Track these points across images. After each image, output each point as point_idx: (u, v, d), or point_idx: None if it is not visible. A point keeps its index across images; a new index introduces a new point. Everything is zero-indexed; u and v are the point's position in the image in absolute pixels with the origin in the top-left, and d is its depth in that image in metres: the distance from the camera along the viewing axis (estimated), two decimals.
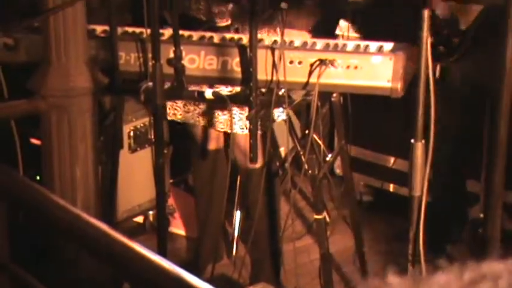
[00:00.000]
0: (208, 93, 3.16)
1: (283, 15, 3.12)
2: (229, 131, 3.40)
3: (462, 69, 3.48)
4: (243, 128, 3.38)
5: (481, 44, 3.37)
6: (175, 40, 2.90)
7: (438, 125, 3.35)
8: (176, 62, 2.90)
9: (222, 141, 3.70)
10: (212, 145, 3.69)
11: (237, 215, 3.81)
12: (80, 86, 3.04)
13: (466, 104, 3.65)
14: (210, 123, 3.46)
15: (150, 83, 2.92)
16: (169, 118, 3.35)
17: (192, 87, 3.21)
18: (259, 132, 3.20)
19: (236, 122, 3.34)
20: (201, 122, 3.49)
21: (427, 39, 2.64)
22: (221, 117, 3.44)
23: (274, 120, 3.41)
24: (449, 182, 3.79)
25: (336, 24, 3.74)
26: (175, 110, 3.50)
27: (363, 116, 4.01)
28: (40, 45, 3.05)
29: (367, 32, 3.63)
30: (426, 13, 2.63)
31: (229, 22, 3.40)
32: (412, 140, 2.78)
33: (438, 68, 3.31)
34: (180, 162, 4.13)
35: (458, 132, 3.69)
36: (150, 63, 3.01)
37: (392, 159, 4.14)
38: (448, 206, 3.82)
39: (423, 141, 2.78)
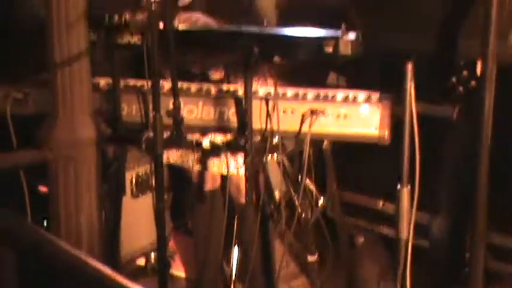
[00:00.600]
0: (206, 142, 3.27)
1: (276, 68, 3.23)
2: (224, 173, 3.49)
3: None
4: (236, 168, 3.46)
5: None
6: (174, 92, 2.99)
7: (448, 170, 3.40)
8: (175, 114, 3.00)
9: (218, 182, 3.78)
10: (208, 186, 3.78)
11: (235, 251, 3.85)
12: (85, 136, 3.15)
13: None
14: (204, 166, 3.55)
15: (151, 133, 3.01)
16: (165, 162, 3.43)
17: (190, 135, 3.33)
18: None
19: (230, 163, 3.44)
20: (197, 167, 3.57)
21: (410, 90, 2.76)
22: (215, 160, 3.52)
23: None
24: (451, 227, 3.78)
25: (326, 74, 3.85)
26: (172, 154, 3.59)
27: (353, 160, 4.10)
28: (47, 99, 3.16)
29: (356, 82, 3.73)
30: (409, 65, 2.74)
31: (222, 75, 3.51)
32: (398, 186, 2.87)
33: (457, 109, 3.35)
34: (180, 206, 4.21)
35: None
36: (150, 114, 3.10)
37: (381, 202, 4.22)
38: (448, 250, 3.81)
39: (409, 187, 2.87)
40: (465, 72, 3.17)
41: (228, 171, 3.33)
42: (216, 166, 3.54)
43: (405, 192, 2.87)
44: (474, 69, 3.18)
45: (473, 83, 3.18)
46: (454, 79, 3.17)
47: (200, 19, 3.43)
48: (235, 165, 3.47)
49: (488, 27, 2.22)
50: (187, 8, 3.28)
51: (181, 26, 3.22)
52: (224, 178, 3.60)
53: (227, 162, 3.33)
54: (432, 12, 2.45)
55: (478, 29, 2.30)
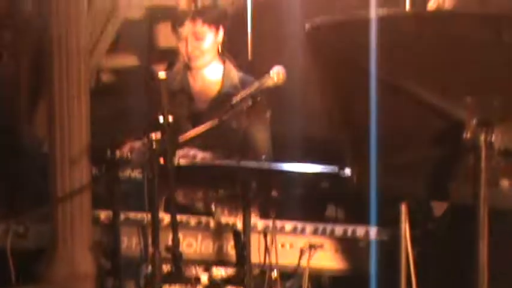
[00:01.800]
0: (204, 278, 3.29)
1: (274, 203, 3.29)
2: None
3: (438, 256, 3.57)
4: None
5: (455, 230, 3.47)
6: (174, 228, 3.02)
7: None
8: (174, 250, 3.02)
9: None
10: None
11: None
12: (84, 271, 3.19)
13: None
14: None
15: (150, 268, 3.02)
16: None
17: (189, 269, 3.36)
18: None
19: None
20: None
21: (405, 232, 2.80)
22: None
23: None
24: None
25: (325, 208, 3.90)
26: None
27: None
28: (48, 233, 3.20)
29: (353, 216, 3.77)
30: (404, 207, 2.79)
31: (225, 212, 3.58)
32: None
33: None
34: None
35: None
36: (150, 248, 3.12)
37: None
38: None
39: None
40: (421, 218, 3.26)
41: None
42: None
43: None
44: (430, 211, 3.28)
45: (430, 225, 3.27)
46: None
47: (198, 155, 3.50)
48: None
49: (479, 176, 2.27)
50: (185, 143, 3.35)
51: (181, 162, 3.29)
52: None
53: None
54: (424, 156, 2.51)
55: (469, 174, 2.35)
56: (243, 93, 3.23)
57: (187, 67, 3.77)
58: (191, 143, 3.45)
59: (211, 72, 3.77)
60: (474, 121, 2.26)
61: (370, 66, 2.38)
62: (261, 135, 3.73)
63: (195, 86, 3.79)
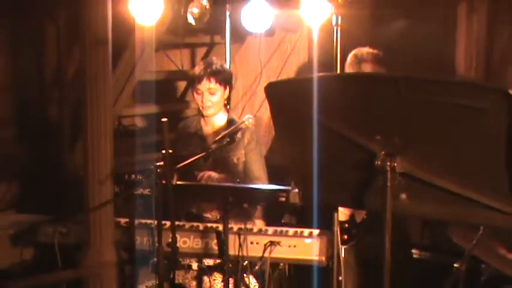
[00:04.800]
0: (194, 266, 3.42)
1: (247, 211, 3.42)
2: None
3: (361, 251, 3.70)
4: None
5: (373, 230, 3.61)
6: (172, 230, 3.15)
7: None
8: (172, 245, 3.13)
9: None
10: None
11: None
12: (109, 260, 3.30)
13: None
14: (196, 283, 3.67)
15: (155, 259, 3.14)
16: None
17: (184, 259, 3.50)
18: None
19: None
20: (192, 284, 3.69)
21: (336, 233, 2.94)
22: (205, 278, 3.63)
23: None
24: None
25: (282, 215, 4.03)
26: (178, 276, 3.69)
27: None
28: (84, 233, 3.31)
29: (303, 220, 3.90)
30: (335, 214, 2.94)
31: (216, 215, 3.73)
32: None
33: (343, 249, 3.56)
34: None
35: None
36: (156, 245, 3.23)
37: None
38: None
39: None
40: (347, 225, 3.39)
41: None
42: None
43: None
44: (354, 220, 3.41)
45: (354, 231, 3.40)
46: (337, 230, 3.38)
47: (211, 175, 3.70)
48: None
49: (385, 192, 2.39)
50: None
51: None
52: None
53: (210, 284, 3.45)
54: (348, 178, 2.61)
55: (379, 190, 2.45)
56: (223, 133, 3.40)
57: (201, 114, 3.91)
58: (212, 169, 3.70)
59: (219, 119, 3.91)
60: (382, 152, 2.39)
61: (311, 113, 2.50)
62: (256, 165, 3.88)
63: (206, 130, 3.94)
